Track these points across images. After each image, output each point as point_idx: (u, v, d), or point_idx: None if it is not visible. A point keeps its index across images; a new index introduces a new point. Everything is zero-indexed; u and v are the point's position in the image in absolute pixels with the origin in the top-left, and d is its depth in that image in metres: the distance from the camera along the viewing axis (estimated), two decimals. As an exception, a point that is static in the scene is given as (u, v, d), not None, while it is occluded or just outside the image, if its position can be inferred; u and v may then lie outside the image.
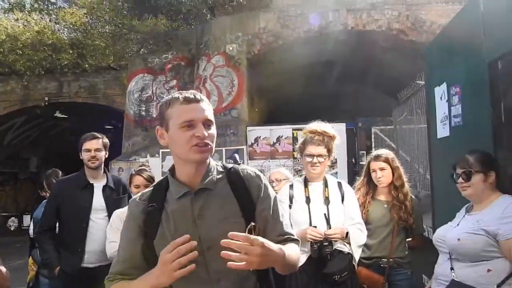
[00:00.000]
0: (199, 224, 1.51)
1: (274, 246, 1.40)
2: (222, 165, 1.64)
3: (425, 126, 4.68)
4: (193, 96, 1.53)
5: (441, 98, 3.30)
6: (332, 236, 2.65)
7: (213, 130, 1.55)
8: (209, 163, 1.59)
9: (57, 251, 3.45)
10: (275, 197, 1.64)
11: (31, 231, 4.00)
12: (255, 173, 1.64)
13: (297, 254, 1.59)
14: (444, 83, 3.22)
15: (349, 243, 2.74)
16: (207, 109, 1.55)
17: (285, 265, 1.49)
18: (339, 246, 2.73)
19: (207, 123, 1.52)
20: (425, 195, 4.93)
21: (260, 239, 1.34)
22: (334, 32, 9.05)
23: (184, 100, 1.53)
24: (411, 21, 8.64)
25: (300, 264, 2.37)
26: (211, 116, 1.55)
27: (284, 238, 1.58)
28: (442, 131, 3.28)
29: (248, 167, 1.66)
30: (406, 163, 6.10)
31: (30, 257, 3.92)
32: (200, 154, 1.51)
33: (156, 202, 1.56)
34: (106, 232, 3.31)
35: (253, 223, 1.48)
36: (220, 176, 1.59)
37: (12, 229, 14.12)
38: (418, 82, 5.18)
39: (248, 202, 1.54)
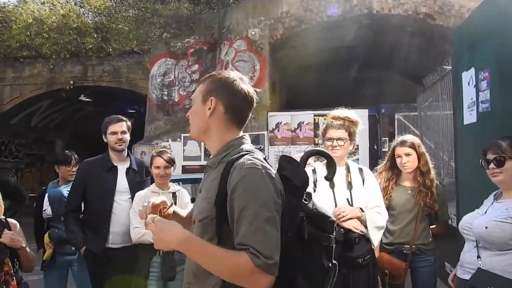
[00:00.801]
0: (197, 198, 1.68)
1: (183, 229, 1.45)
2: (242, 150, 1.57)
3: (450, 113, 4.59)
4: None
5: (468, 83, 3.22)
6: (342, 216, 2.63)
7: (191, 108, 1.70)
8: (227, 143, 1.60)
9: (82, 231, 3.54)
10: (251, 203, 1.41)
11: (48, 211, 4.05)
12: (244, 166, 1.46)
13: (230, 264, 1.38)
14: (472, 68, 3.14)
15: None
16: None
17: (199, 260, 1.44)
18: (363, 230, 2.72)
19: (190, 103, 1.76)
20: (449, 182, 4.85)
21: (157, 218, 1.50)
22: (358, 16, 8.88)
23: None
24: (439, 5, 8.39)
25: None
26: (192, 96, 1.72)
27: (242, 248, 1.39)
28: (469, 117, 3.21)
29: (251, 160, 1.48)
30: (430, 150, 6.00)
31: (47, 235, 3.98)
32: None
33: None
34: (130, 215, 3.37)
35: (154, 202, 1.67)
36: (228, 158, 1.56)
37: (39, 209, 14.55)
38: (444, 67, 5.06)
39: (222, 192, 1.48)
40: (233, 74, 1.64)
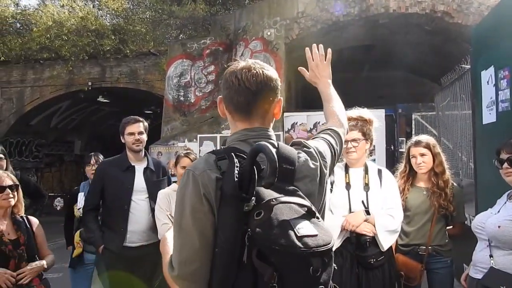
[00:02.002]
0: None
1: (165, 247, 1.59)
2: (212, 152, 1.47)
3: (469, 112, 4.52)
4: None
5: (488, 82, 3.17)
6: (350, 229, 2.64)
7: None
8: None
9: (101, 230, 3.60)
10: (176, 209, 1.33)
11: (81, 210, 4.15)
12: (186, 169, 1.41)
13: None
14: (492, 66, 3.10)
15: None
16: None
17: None
18: None
19: None
20: (468, 183, 4.78)
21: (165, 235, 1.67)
22: (375, 16, 8.81)
23: None
24: (457, 3, 8.27)
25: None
26: None
27: None
28: (488, 116, 3.16)
29: (196, 161, 1.43)
30: (448, 150, 5.92)
31: (78, 233, 4.09)
32: None
33: None
34: (156, 212, 3.42)
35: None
36: None
37: (58, 209, 14.79)
38: (463, 66, 4.98)
39: None
40: (235, 65, 1.46)
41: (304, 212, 1.18)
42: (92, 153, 4.49)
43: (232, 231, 1.18)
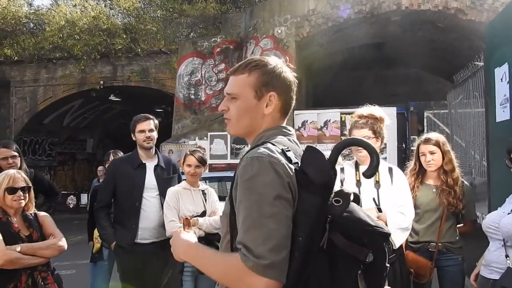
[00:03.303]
0: None
1: (186, 241, 1.42)
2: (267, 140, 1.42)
3: (482, 110, 4.47)
4: (232, 68, 1.50)
5: (501, 79, 3.13)
6: None
7: (235, 103, 1.44)
8: (257, 136, 1.45)
9: (113, 227, 3.63)
10: (247, 197, 1.27)
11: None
12: (247, 156, 1.32)
13: (222, 267, 1.28)
14: (506, 63, 3.06)
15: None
16: (232, 82, 1.47)
17: (200, 267, 1.38)
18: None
19: (230, 96, 1.47)
20: (480, 182, 4.72)
21: (181, 231, 1.46)
22: (387, 13, 8.74)
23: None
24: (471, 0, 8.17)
25: None
26: (232, 89, 1.45)
27: (239, 247, 1.24)
28: (502, 114, 3.12)
29: (260, 149, 1.32)
30: (460, 148, 5.86)
31: (96, 230, 4.14)
32: (226, 127, 1.52)
33: None
34: (164, 209, 3.44)
35: (186, 216, 1.51)
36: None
37: (71, 206, 15.00)
38: (476, 63, 4.92)
39: (233, 186, 1.35)
40: (275, 60, 1.47)
41: (355, 200, 1.31)
42: (111, 150, 4.52)
43: (317, 218, 1.22)
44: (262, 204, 1.22)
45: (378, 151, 2.88)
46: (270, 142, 1.35)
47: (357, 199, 1.32)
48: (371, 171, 1.31)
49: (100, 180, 9.63)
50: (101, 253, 4.20)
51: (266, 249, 1.19)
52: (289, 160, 1.30)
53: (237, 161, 4.03)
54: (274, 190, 1.23)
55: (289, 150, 1.33)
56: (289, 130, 1.47)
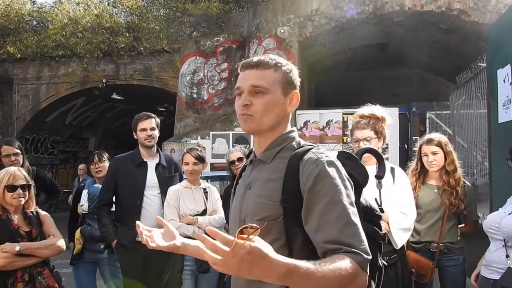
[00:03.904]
0: (245, 194, 1.48)
1: (280, 259, 1.08)
2: (300, 143, 1.47)
3: (485, 111, 4.46)
4: (249, 62, 1.45)
5: (504, 80, 3.13)
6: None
7: (263, 98, 1.40)
8: (282, 136, 1.46)
9: (114, 225, 3.63)
10: (337, 196, 1.29)
11: (85, 207, 4.14)
12: (319, 159, 1.34)
13: (343, 273, 1.16)
14: (509, 64, 3.05)
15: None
16: (259, 75, 1.42)
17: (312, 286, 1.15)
18: None
19: (255, 90, 1.41)
20: (482, 182, 4.72)
21: (254, 243, 1.04)
22: (390, 13, 8.73)
23: (242, 67, 1.47)
24: (473, 1, 8.14)
25: None
26: (260, 82, 1.40)
27: (335, 247, 1.22)
28: (504, 115, 3.12)
29: (323, 152, 1.39)
30: (463, 149, 5.85)
31: (78, 230, 4.07)
32: (242, 124, 1.44)
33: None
34: (164, 208, 3.44)
35: (249, 224, 1.10)
36: (286, 153, 1.43)
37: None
38: (479, 64, 4.91)
39: (292, 187, 1.34)
40: (286, 61, 1.52)
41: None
42: (96, 151, 4.45)
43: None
44: (351, 204, 1.31)
45: (381, 150, 2.89)
46: (312, 146, 1.45)
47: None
48: (382, 173, 1.75)
49: (81, 179, 9.52)
50: (82, 254, 4.07)
51: (366, 245, 1.25)
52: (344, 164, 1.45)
53: (238, 160, 4.03)
54: (351, 191, 1.35)
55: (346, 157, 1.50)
56: (296, 132, 1.56)
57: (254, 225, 1.08)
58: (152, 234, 1.57)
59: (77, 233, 4.05)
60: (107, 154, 4.31)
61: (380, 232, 1.47)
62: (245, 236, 1.05)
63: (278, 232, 1.35)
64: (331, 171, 1.32)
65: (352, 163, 1.46)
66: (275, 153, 1.45)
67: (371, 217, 1.46)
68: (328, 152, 1.42)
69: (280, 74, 1.44)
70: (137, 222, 1.59)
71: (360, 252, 1.21)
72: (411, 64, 11.56)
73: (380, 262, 1.43)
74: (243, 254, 1.02)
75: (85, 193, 4.16)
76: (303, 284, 1.12)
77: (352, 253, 1.20)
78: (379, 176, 1.75)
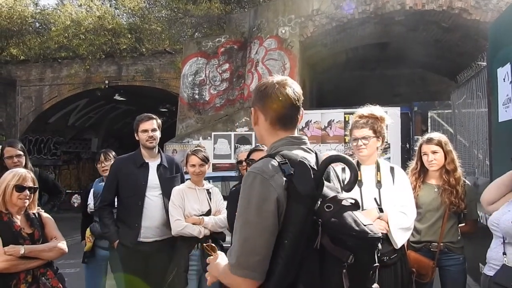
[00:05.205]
0: None
1: (217, 266, 1.61)
2: (275, 152, 1.57)
3: (485, 110, 4.46)
4: None
5: (504, 79, 3.13)
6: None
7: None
8: (269, 147, 1.64)
9: (116, 225, 3.65)
10: (241, 206, 1.47)
11: (92, 205, 4.21)
12: (249, 171, 1.50)
13: (221, 270, 1.57)
14: (508, 63, 3.06)
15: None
16: None
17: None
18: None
19: None
20: (484, 182, 4.72)
21: (217, 255, 1.64)
22: (391, 13, 8.73)
23: None
24: (475, -1, 8.14)
25: None
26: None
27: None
28: (504, 114, 3.12)
29: (259, 163, 1.51)
30: (464, 148, 5.86)
31: (88, 229, 4.15)
32: None
33: None
34: (169, 208, 3.46)
35: (209, 244, 1.72)
36: None
37: (75, 205, 15.04)
38: (479, 63, 4.92)
39: None
40: (271, 80, 1.64)
41: (354, 205, 1.43)
42: (102, 150, 4.53)
43: (302, 224, 1.38)
44: (247, 213, 1.44)
45: (379, 150, 2.90)
46: (273, 155, 1.51)
47: (357, 205, 1.44)
48: (350, 186, 1.48)
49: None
50: (93, 251, 4.17)
51: (239, 253, 1.43)
52: (283, 171, 1.45)
53: (240, 160, 4.04)
54: (256, 202, 1.42)
55: (285, 163, 1.46)
56: (298, 139, 1.62)
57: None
58: None
59: (87, 231, 4.12)
60: (113, 153, 4.38)
61: (347, 252, 1.34)
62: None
63: None
64: (244, 182, 1.48)
65: (298, 171, 1.44)
66: None
67: (345, 236, 1.35)
68: (271, 161, 1.48)
69: (252, 96, 1.71)
70: None
71: (233, 259, 1.45)
72: (412, 63, 11.55)
73: (345, 283, 1.34)
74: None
75: (92, 192, 4.22)
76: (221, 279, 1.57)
77: (230, 257, 1.47)
78: (348, 189, 1.47)
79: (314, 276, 1.37)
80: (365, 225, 1.37)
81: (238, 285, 1.45)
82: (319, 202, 1.41)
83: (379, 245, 1.41)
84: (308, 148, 1.62)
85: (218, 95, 10.06)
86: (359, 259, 1.34)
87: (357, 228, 1.36)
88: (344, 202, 1.40)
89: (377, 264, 1.41)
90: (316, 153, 1.62)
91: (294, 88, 1.61)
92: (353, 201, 1.43)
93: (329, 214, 1.37)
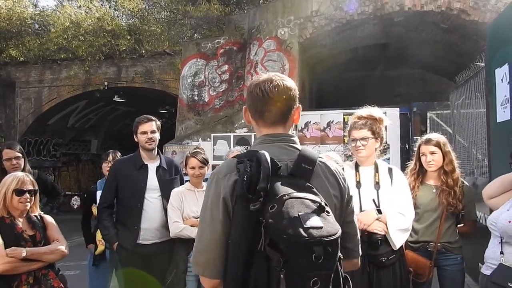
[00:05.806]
0: None
1: None
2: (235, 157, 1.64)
3: (484, 110, 4.47)
4: None
5: (502, 80, 3.14)
6: (362, 228, 2.59)
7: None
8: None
9: (115, 227, 3.65)
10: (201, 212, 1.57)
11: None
12: (212, 172, 1.61)
13: None
14: (506, 64, 3.07)
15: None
16: None
17: None
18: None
19: None
20: (483, 182, 4.72)
21: None
22: (390, 13, 8.74)
23: None
24: (473, 0, 8.15)
25: None
26: None
27: None
28: (502, 114, 3.13)
29: (219, 166, 1.58)
30: (463, 148, 5.86)
31: (99, 232, 4.13)
32: None
33: None
34: (168, 210, 3.46)
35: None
36: None
37: (75, 207, 15.05)
38: (478, 63, 4.93)
39: None
40: (257, 78, 1.63)
41: (316, 207, 1.33)
42: (110, 150, 4.56)
43: (241, 224, 1.39)
44: (202, 214, 1.52)
45: (378, 151, 2.90)
46: (241, 154, 1.55)
47: (321, 207, 1.34)
48: (262, 185, 1.38)
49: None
50: (104, 255, 4.18)
51: (195, 250, 1.51)
52: (238, 170, 1.47)
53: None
54: (210, 202, 1.49)
55: (241, 163, 1.47)
56: (275, 136, 1.60)
57: None
58: None
59: (99, 235, 4.10)
60: (119, 154, 4.40)
61: (278, 258, 1.27)
62: None
63: None
64: (207, 185, 1.56)
65: (244, 172, 1.42)
66: None
67: (278, 238, 1.28)
68: (230, 161, 1.53)
69: None
70: None
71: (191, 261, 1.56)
72: (412, 64, 11.57)
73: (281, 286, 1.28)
74: None
75: (98, 194, 4.22)
76: None
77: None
78: (261, 188, 1.39)
79: (262, 278, 1.32)
80: (308, 228, 1.25)
81: (202, 282, 1.53)
82: (257, 207, 1.34)
83: (328, 249, 1.26)
84: (289, 146, 1.57)
85: (218, 96, 10.07)
86: (294, 264, 1.25)
87: (290, 231, 1.25)
88: (290, 202, 1.31)
89: (325, 271, 1.29)
90: (300, 151, 1.54)
91: (279, 84, 1.55)
92: (315, 203, 1.33)
93: (269, 215, 1.31)
